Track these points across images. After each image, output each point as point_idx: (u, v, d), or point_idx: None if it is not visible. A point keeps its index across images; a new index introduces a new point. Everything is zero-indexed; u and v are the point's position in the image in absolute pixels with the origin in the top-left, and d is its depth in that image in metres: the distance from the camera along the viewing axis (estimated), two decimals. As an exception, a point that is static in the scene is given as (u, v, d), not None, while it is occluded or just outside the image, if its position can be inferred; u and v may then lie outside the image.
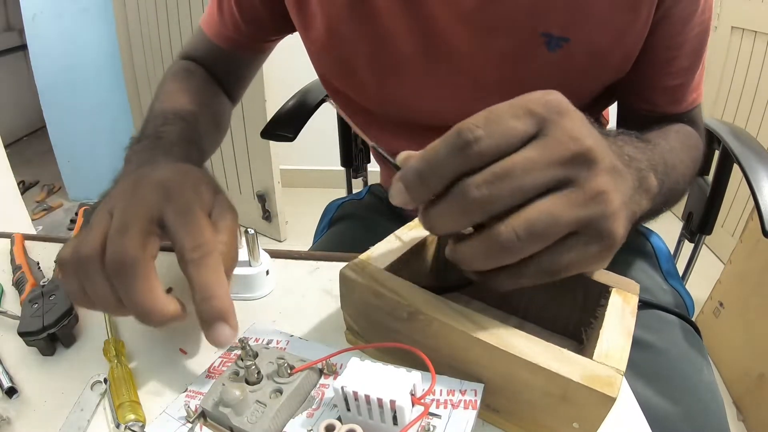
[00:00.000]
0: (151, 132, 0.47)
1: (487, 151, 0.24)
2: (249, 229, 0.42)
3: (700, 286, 1.26)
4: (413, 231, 0.39)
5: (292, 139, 0.82)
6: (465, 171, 0.25)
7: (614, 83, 0.53)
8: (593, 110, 0.59)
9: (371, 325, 0.35)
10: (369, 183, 0.93)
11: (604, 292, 0.33)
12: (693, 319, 0.53)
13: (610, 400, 0.25)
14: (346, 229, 0.69)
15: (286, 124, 0.83)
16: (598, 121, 0.62)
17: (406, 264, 0.37)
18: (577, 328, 0.36)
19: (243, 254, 0.44)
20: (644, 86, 0.53)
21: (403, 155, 0.29)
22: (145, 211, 0.31)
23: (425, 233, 0.39)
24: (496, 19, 0.47)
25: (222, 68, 0.65)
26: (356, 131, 0.33)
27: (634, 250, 0.61)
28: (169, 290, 0.32)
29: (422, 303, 0.31)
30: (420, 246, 0.39)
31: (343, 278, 0.34)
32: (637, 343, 0.45)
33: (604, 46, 0.47)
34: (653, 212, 0.43)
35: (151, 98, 0.57)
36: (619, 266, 0.35)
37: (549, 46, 0.47)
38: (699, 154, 0.53)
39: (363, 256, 0.36)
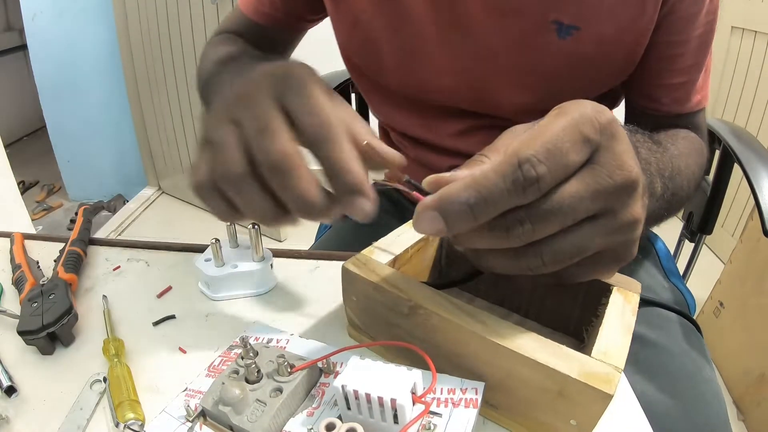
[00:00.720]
0: (223, 69, 0.47)
1: (547, 188, 0.24)
2: (252, 225, 0.42)
3: (700, 286, 1.26)
4: None
5: None
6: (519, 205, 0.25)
7: (619, 85, 0.54)
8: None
9: (372, 320, 0.35)
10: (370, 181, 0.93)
11: (605, 290, 0.33)
12: (694, 318, 0.53)
13: (607, 397, 0.25)
14: (348, 226, 0.69)
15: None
16: None
17: (409, 260, 0.38)
18: (578, 327, 0.36)
19: (246, 251, 0.44)
20: (649, 83, 0.54)
21: (431, 179, 0.28)
22: (273, 105, 0.28)
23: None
24: (510, 1, 0.48)
25: (259, 44, 0.65)
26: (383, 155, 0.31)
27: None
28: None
29: (423, 298, 0.31)
30: (422, 242, 0.39)
31: (345, 272, 0.34)
32: (639, 340, 0.46)
33: (611, 37, 0.48)
34: (656, 218, 0.43)
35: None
36: None
37: (559, 33, 0.49)
38: (704, 161, 0.54)
39: (365, 251, 0.36)
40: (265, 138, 0.27)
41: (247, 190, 0.28)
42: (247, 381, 0.30)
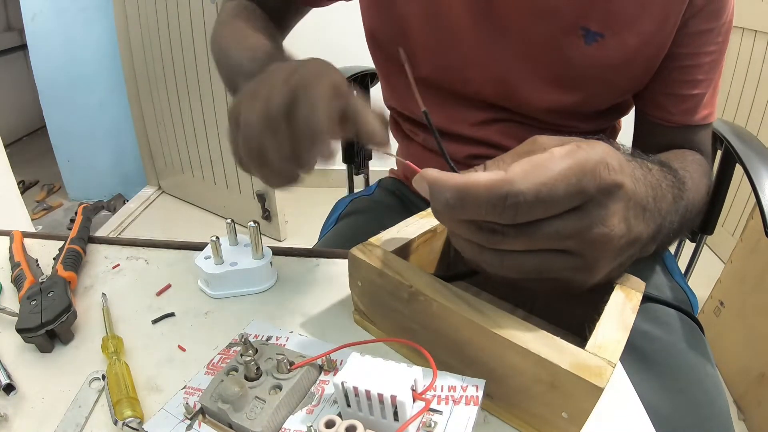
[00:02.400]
0: (256, 54, 0.47)
1: (524, 219, 0.26)
2: (252, 222, 0.42)
3: (700, 285, 1.25)
4: (424, 219, 0.40)
5: None
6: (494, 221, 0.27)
7: (633, 95, 0.56)
8: (608, 118, 0.62)
9: (375, 305, 0.36)
10: (370, 180, 0.93)
11: (608, 288, 0.33)
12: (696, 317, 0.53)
13: (598, 390, 0.25)
14: (356, 222, 0.69)
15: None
16: (612, 130, 0.66)
17: (415, 250, 0.38)
18: (581, 325, 0.36)
19: (246, 249, 0.44)
20: (660, 93, 0.55)
21: (429, 173, 0.29)
22: (328, 81, 0.31)
23: (436, 223, 0.40)
24: (544, 4, 0.50)
25: (269, 8, 0.63)
26: (414, 89, 0.35)
27: None
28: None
29: (423, 285, 0.32)
30: (430, 234, 0.40)
31: (352, 258, 0.36)
32: (641, 336, 0.46)
33: (633, 47, 0.51)
34: (662, 246, 0.42)
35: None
36: None
37: (586, 39, 0.51)
38: (710, 183, 0.55)
39: (373, 239, 0.37)
40: (312, 111, 0.29)
41: (279, 139, 0.30)
42: (247, 378, 0.30)
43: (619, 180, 0.27)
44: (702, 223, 0.71)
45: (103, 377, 0.34)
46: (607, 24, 0.50)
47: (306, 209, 0.80)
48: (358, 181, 0.97)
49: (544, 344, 0.27)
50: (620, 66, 0.53)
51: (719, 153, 0.69)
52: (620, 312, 0.30)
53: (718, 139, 0.68)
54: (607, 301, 0.32)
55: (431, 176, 0.27)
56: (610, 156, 0.27)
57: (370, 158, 0.98)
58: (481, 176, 0.26)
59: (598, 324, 0.29)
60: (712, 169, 0.60)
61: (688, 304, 0.59)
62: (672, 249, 0.78)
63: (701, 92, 0.54)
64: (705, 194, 0.52)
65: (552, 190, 0.25)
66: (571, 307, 0.36)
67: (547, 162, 0.25)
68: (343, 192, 0.94)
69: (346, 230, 0.68)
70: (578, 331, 0.37)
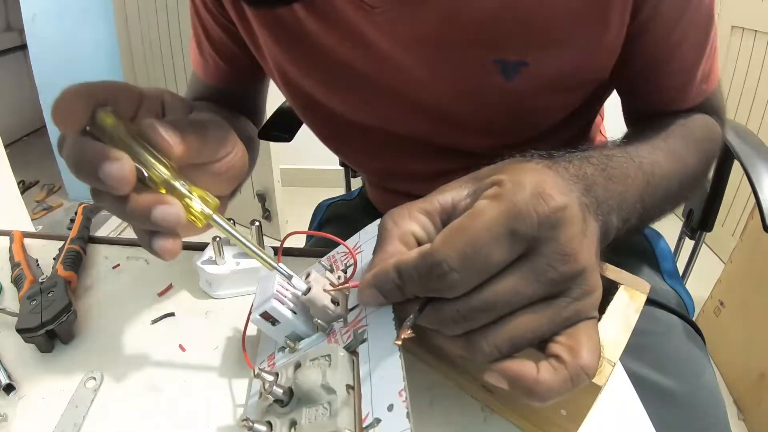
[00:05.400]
0: None
1: (466, 290, 0.23)
2: (255, 221, 0.42)
3: (700, 285, 1.25)
4: None
5: (289, 140, 0.82)
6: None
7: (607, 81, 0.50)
8: (583, 114, 0.55)
9: None
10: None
11: (614, 289, 0.33)
12: (694, 319, 0.52)
13: (596, 388, 0.25)
14: (334, 231, 0.68)
15: (283, 124, 0.83)
16: (589, 126, 0.59)
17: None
18: None
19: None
20: (641, 87, 0.49)
21: (365, 279, 0.27)
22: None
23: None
24: (444, 47, 0.43)
25: (227, 103, 0.61)
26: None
27: (631, 249, 0.60)
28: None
29: None
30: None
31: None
32: (637, 337, 0.45)
33: (570, 63, 0.43)
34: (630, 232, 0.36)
35: None
36: (614, 265, 0.35)
37: (505, 75, 0.43)
38: (712, 146, 0.49)
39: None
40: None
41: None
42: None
43: (560, 204, 0.23)
44: (701, 220, 0.70)
45: (101, 376, 0.34)
46: (530, 48, 0.41)
47: (306, 209, 0.80)
48: (357, 182, 0.97)
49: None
50: (560, 88, 0.45)
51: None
52: (623, 312, 0.30)
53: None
54: (611, 301, 0.32)
55: (368, 278, 0.26)
56: (543, 182, 0.24)
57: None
58: (411, 253, 0.24)
59: (599, 323, 0.29)
60: (724, 127, 0.52)
61: (684, 307, 0.57)
62: (672, 247, 0.78)
63: (691, 77, 0.47)
64: (703, 154, 0.46)
65: (477, 248, 0.22)
66: None
67: (469, 221, 0.23)
68: (342, 192, 0.94)
69: (344, 231, 0.68)
70: None
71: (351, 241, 0.35)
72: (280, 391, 0.26)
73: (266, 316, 0.31)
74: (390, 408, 0.24)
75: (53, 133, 2.09)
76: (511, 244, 0.23)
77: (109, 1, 1.89)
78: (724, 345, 1.28)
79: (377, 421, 0.24)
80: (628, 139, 0.39)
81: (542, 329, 0.24)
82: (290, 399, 0.27)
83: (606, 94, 0.55)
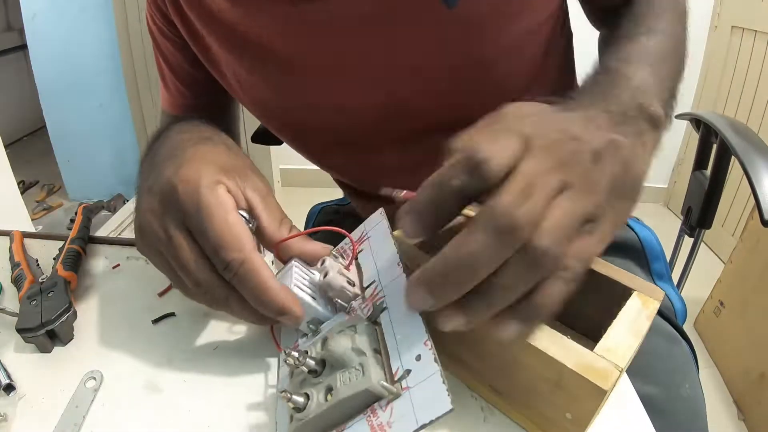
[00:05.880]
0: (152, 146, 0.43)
1: (497, 172, 0.24)
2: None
3: (700, 285, 1.26)
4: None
5: (281, 143, 0.83)
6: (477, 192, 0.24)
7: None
8: (547, 73, 0.51)
9: None
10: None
11: (626, 294, 0.32)
12: (693, 319, 0.51)
13: (601, 392, 0.25)
14: (324, 237, 0.66)
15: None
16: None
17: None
18: (597, 330, 0.36)
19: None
20: None
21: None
22: (178, 232, 0.32)
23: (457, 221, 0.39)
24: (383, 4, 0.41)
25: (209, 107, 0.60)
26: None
27: (620, 247, 0.58)
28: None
29: None
30: (453, 232, 0.39)
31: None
32: None
33: None
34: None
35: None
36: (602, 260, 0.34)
37: (448, 3, 0.41)
38: (684, 8, 0.46)
39: (396, 232, 0.36)
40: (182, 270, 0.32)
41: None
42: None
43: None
44: (700, 217, 0.70)
45: (101, 376, 0.34)
46: None
47: (306, 209, 0.80)
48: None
49: (551, 342, 0.27)
50: (508, 7, 0.42)
51: (715, 147, 0.69)
52: (634, 318, 0.30)
53: (713, 133, 0.68)
54: (623, 307, 0.32)
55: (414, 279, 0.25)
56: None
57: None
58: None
59: (610, 327, 0.29)
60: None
61: (671, 310, 0.55)
62: (671, 246, 0.78)
63: None
64: (675, 15, 0.44)
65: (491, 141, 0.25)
66: (588, 312, 0.36)
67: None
68: (342, 193, 0.94)
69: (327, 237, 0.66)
70: (595, 337, 0.37)
71: (356, 233, 0.36)
72: (313, 362, 0.29)
73: None
74: (418, 358, 0.26)
75: (53, 133, 2.09)
76: (510, 137, 0.25)
77: (109, 1, 1.89)
78: (724, 345, 1.28)
79: (408, 371, 0.26)
80: (610, 50, 0.39)
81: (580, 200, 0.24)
82: (323, 368, 0.29)
83: (561, 43, 0.53)
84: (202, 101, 0.59)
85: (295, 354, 0.28)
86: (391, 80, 0.46)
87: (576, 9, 0.54)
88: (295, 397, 0.27)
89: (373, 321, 0.30)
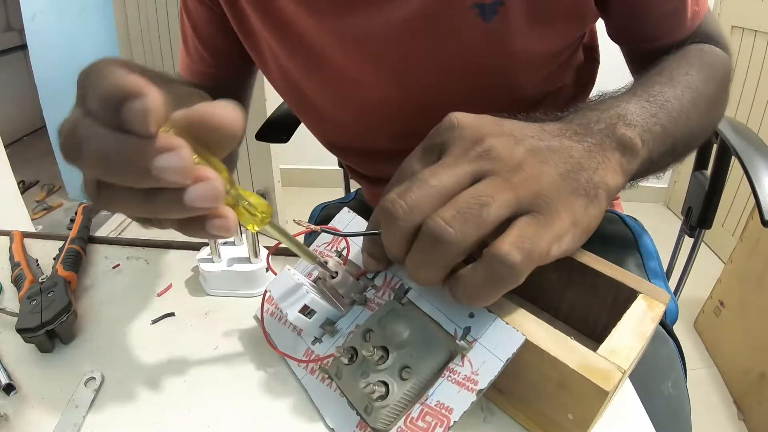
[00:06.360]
0: None
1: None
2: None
3: (700, 285, 1.26)
4: None
5: (286, 141, 0.82)
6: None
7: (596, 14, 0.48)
8: (574, 53, 0.54)
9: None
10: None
11: (632, 297, 0.32)
12: (693, 319, 0.51)
13: (603, 394, 0.25)
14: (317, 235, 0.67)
15: (280, 126, 0.83)
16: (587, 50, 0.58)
17: None
18: (603, 332, 0.36)
19: (243, 251, 0.44)
20: (634, 22, 0.47)
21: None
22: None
23: None
24: (426, 14, 0.44)
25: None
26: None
27: (616, 244, 0.59)
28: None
29: None
30: None
31: None
32: None
33: None
34: (655, 164, 0.37)
35: None
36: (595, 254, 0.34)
37: (484, 16, 0.43)
38: (725, 71, 0.47)
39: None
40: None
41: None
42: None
43: (456, 115, 0.29)
44: (700, 217, 0.70)
45: (101, 376, 0.34)
46: None
47: (306, 209, 0.80)
48: (356, 183, 0.97)
49: (554, 342, 0.27)
50: (539, 23, 0.44)
51: (715, 147, 0.69)
52: (639, 320, 0.30)
53: (713, 133, 0.68)
54: (628, 309, 0.32)
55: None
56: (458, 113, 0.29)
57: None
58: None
59: (614, 329, 0.29)
60: (728, 50, 0.49)
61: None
62: (671, 246, 0.78)
63: (680, 3, 0.45)
64: (705, 74, 0.43)
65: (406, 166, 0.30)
66: (594, 314, 0.36)
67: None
68: (343, 193, 0.94)
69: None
70: (600, 338, 0.37)
71: (333, 223, 0.39)
72: (380, 353, 0.29)
73: (304, 309, 0.32)
74: (471, 315, 0.28)
75: (53, 133, 2.09)
76: (426, 154, 0.29)
77: (109, 1, 1.89)
78: (724, 345, 1.28)
79: (467, 329, 0.28)
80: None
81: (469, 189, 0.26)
82: (389, 355, 0.29)
83: (590, 68, 0.56)
84: (221, 72, 0.61)
85: (345, 351, 0.30)
86: (416, 80, 0.49)
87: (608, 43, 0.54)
88: (376, 388, 0.28)
89: (402, 303, 0.31)
